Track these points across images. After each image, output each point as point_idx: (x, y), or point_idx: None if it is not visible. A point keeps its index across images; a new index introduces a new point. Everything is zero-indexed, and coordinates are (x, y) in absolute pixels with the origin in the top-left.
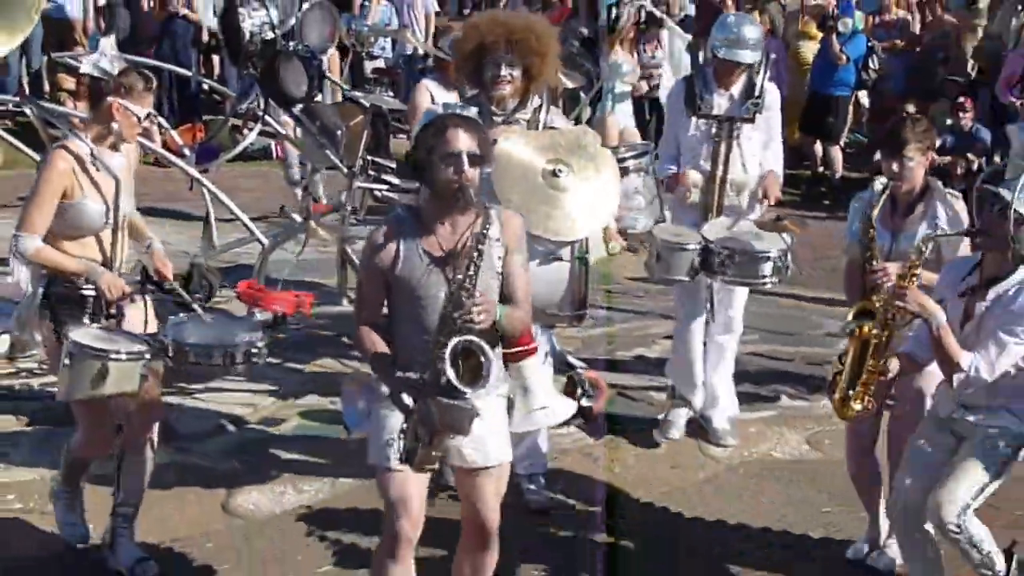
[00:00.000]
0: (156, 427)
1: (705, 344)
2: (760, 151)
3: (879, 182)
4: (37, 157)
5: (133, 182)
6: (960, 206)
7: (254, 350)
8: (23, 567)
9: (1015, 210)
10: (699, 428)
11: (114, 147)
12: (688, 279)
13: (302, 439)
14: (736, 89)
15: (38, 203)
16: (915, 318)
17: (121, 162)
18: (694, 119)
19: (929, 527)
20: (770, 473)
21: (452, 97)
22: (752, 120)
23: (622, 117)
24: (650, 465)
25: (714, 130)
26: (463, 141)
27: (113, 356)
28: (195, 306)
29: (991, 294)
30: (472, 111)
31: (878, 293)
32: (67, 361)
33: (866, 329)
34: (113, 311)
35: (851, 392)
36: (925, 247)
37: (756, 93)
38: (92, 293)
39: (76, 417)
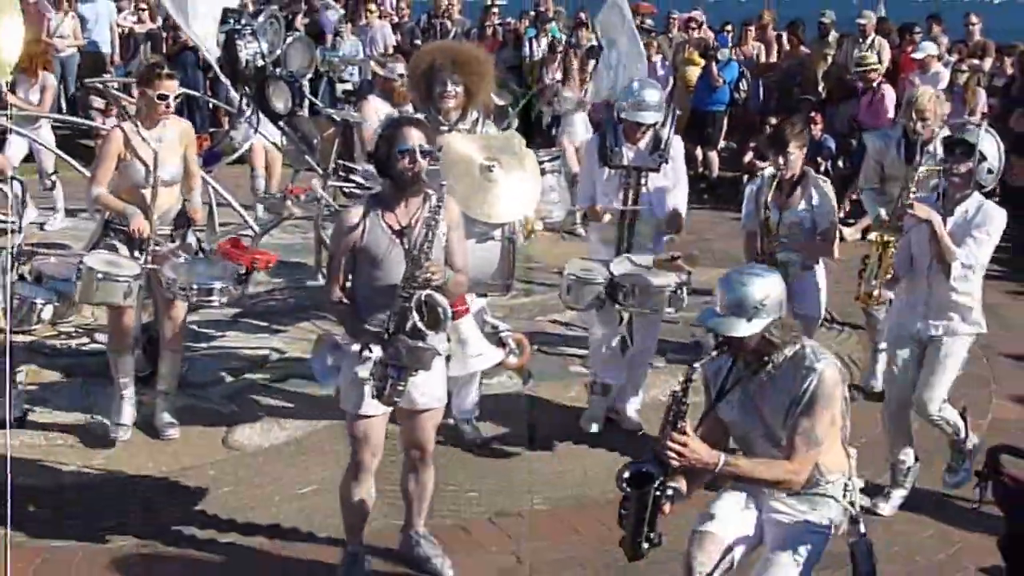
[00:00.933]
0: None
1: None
2: (668, 195)
3: (768, 171)
4: (75, 164)
5: (178, 153)
6: (828, 187)
7: (220, 288)
8: (64, 486)
9: (979, 150)
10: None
11: (153, 125)
12: (595, 308)
13: (286, 387)
14: (643, 143)
15: (101, 163)
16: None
17: (161, 135)
18: (607, 168)
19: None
20: (657, 413)
21: (393, 111)
22: (658, 169)
23: (579, 137)
24: (563, 408)
25: (623, 178)
26: (415, 138)
27: (99, 275)
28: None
29: (957, 213)
30: (420, 116)
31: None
32: (77, 275)
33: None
34: (144, 246)
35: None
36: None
37: (662, 146)
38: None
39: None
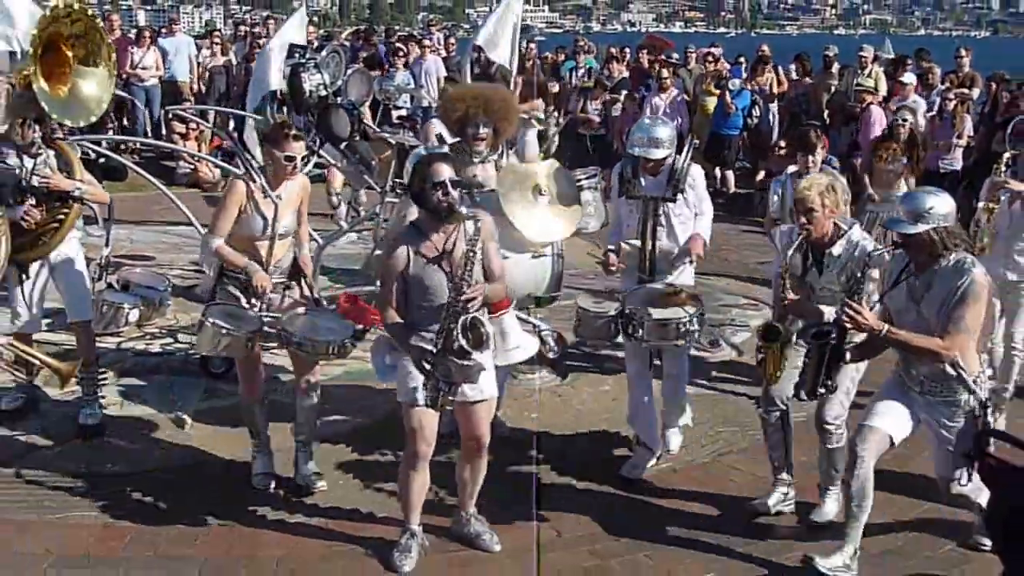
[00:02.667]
0: (317, 379)
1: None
2: (689, 222)
3: (791, 169)
4: (158, 182)
5: (295, 208)
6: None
7: (338, 347)
8: (150, 472)
9: None
10: None
11: (278, 185)
12: (607, 341)
13: (348, 381)
14: (662, 175)
15: (221, 214)
16: None
17: (282, 191)
18: (626, 198)
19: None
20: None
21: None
22: (674, 200)
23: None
24: (600, 400)
25: (641, 208)
26: (445, 172)
27: (224, 330)
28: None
29: None
30: (445, 149)
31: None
32: (199, 327)
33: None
34: (260, 296)
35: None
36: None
37: (677, 176)
38: (245, 279)
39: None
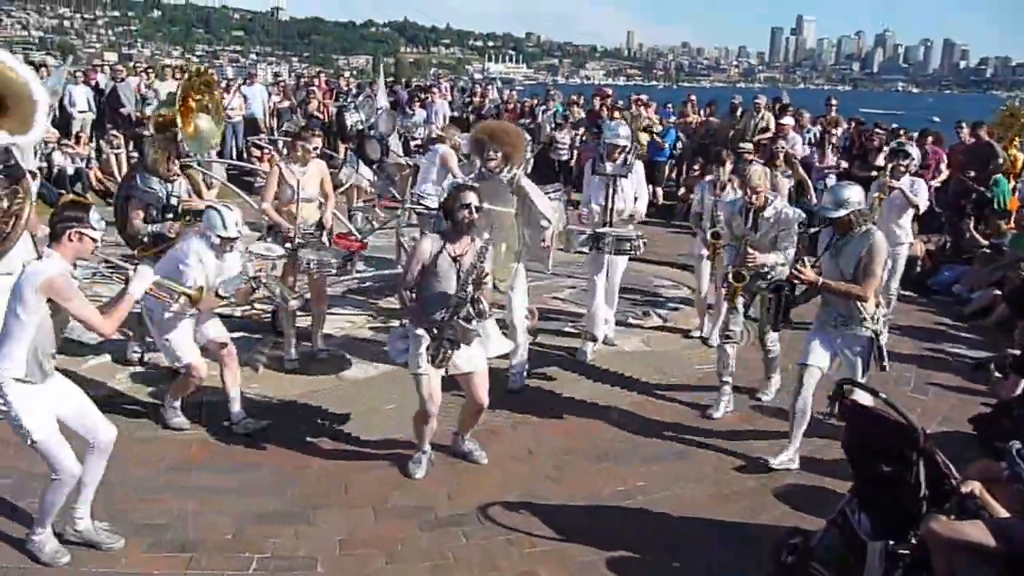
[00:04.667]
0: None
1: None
2: (632, 195)
3: (708, 179)
4: (243, 194)
5: (316, 182)
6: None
7: (332, 262)
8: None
9: (910, 154)
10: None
11: (304, 165)
12: (586, 251)
13: (376, 340)
14: (619, 160)
15: (267, 188)
16: None
17: (305, 170)
18: (596, 176)
19: None
20: (622, 360)
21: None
22: (626, 176)
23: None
24: (559, 352)
25: (605, 182)
26: (472, 198)
27: (254, 256)
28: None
29: (903, 182)
30: (473, 181)
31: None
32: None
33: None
34: (291, 240)
35: None
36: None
37: (627, 162)
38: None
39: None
